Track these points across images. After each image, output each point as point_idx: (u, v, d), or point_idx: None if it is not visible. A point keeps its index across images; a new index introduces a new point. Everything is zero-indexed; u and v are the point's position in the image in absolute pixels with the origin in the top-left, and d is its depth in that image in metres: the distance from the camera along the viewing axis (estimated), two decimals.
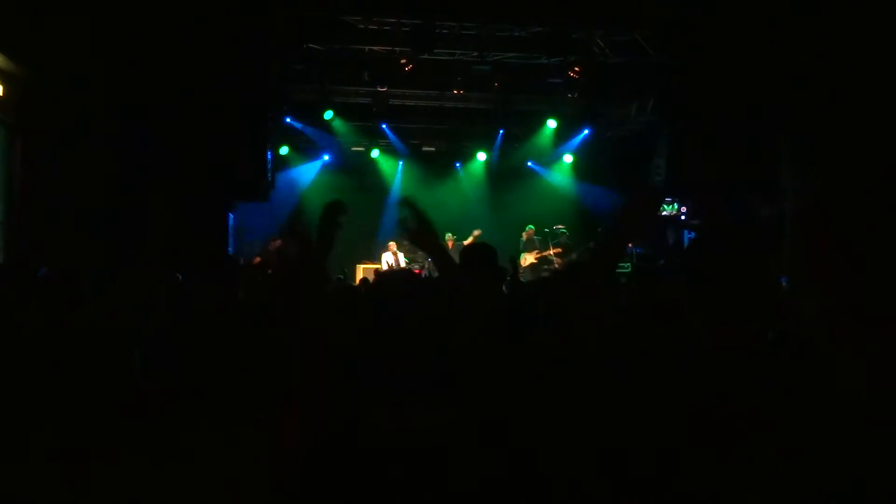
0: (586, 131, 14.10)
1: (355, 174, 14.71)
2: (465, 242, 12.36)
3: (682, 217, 11.61)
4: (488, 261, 2.79)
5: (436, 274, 2.92)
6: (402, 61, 11.49)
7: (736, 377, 1.38)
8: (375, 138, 14.30)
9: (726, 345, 1.42)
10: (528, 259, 12.65)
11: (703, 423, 1.34)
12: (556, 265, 12.24)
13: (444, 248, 2.38)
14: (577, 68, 11.73)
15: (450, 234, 12.83)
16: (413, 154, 14.84)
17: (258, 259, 11.46)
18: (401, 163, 15.04)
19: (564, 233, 12.89)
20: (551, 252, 12.53)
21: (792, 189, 7.32)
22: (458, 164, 15.32)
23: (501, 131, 14.25)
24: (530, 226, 13.06)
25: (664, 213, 11.42)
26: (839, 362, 1.45)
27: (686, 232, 11.20)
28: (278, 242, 12.08)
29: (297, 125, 13.38)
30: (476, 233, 12.55)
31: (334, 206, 2.12)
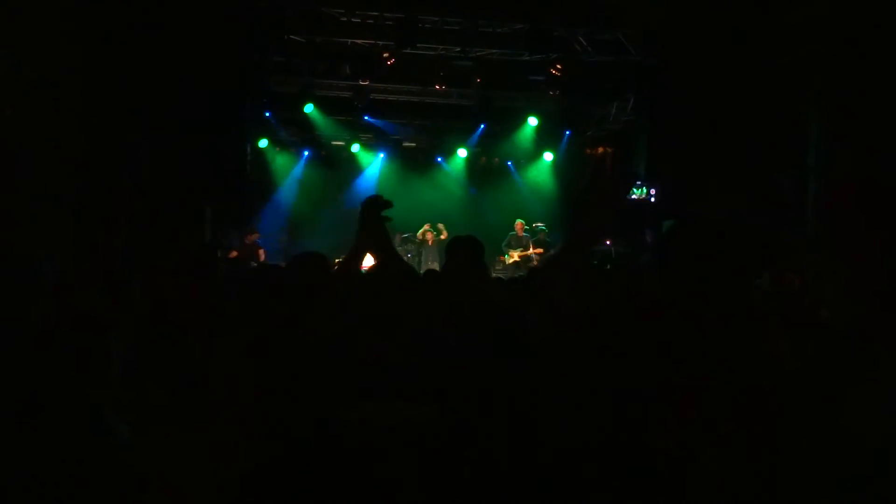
0: (567, 132, 14.17)
1: (335, 168, 14.60)
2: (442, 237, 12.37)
3: (652, 199, 11.61)
4: (474, 254, 2.74)
5: (415, 265, 2.88)
6: (385, 55, 11.42)
7: (701, 352, 1.44)
8: (356, 132, 14.21)
9: (696, 325, 1.48)
10: (513, 256, 12.63)
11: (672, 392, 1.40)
12: (536, 263, 12.25)
13: (389, 244, 2.37)
14: (558, 66, 11.74)
15: (430, 230, 12.82)
16: (393, 149, 14.78)
17: (235, 253, 11.34)
18: (381, 157, 14.96)
19: (543, 230, 12.88)
20: (532, 251, 12.53)
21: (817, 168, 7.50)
22: (438, 160, 15.28)
23: (482, 127, 14.24)
24: (519, 219, 12.94)
25: (633, 196, 11.44)
26: (866, 345, 1.49)
27: (664, 230, 11.27)
28: (255, 235, 11.97)
29: (277, 118, 13.25)
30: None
31: (376, 200, 2.14)
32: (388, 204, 2.18)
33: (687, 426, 1.38)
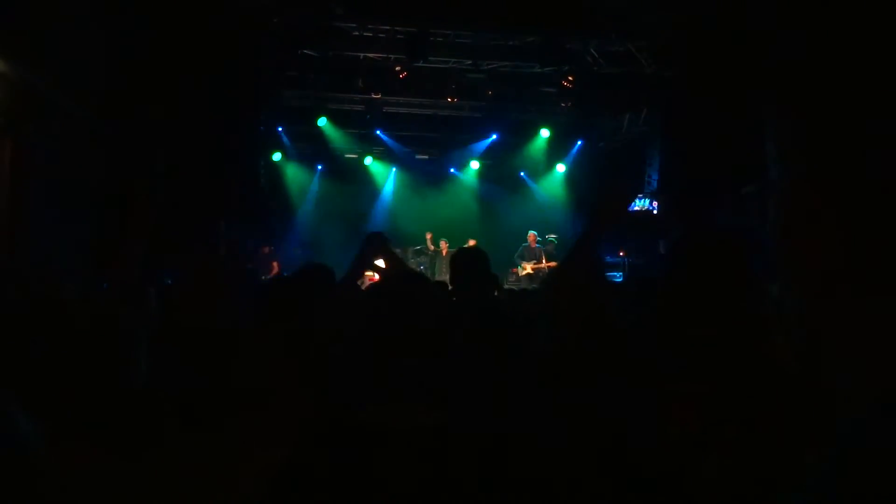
0: (579, 143, 14.18)
1: (348, 181, 14.68)
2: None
3: (654, 211, 11.60)
4: (478, 265, 2.76)
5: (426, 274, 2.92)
6: (397, 68, 11.51)
7: (702, 359, 1.46)
8: (369, 145, 14.30)
9: (698, 333, 1.49)
10: (526, 268, 12.62)
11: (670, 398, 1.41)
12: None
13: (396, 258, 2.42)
14: (570, 78, 11.78)
15: (444, 240, 12.84)
16: (406, 162, 14.85)
17: (249, 265, 11.42)
18: (394, 170, 15.03)
19: (553, 241, 12.84)
20: (545, 264, 12.51)
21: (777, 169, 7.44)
22: (451, 172, 15.32)
23: (494, 136, 14.28)
24: (532, 231, 12.92)
25: (635, 207, 11.44)
26: (820, 336, 1.51)
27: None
28: (269, 248, 12.05)
29: (290, 131, 13.36)
30: (471, 242, 12.55)
31: (377, 238, 2.20)
32: (386, 241, 2.25)
33: (689, 432, 1.40)
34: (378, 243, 2.21)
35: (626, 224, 11.19)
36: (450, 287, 3.11)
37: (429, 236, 13.02)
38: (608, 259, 11.06)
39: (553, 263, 12.48)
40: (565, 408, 1.50)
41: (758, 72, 7.74)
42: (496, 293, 4.05)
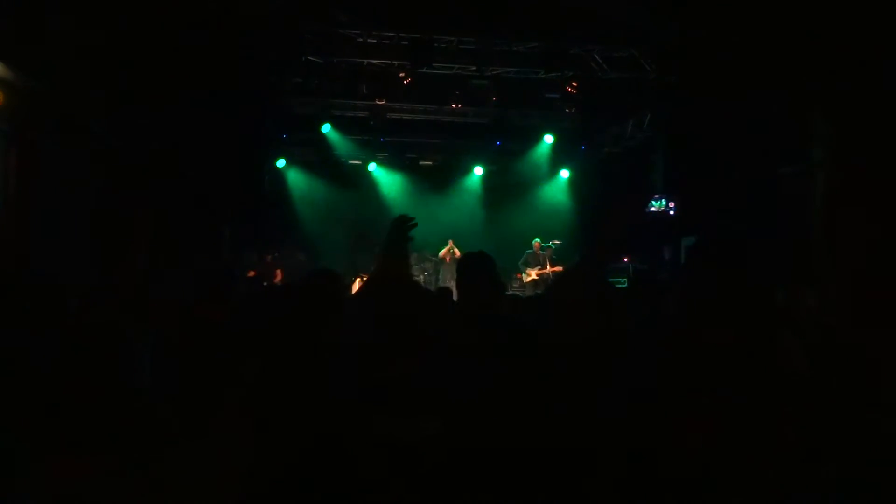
0: (583, 148, 14.17)
1: (352, 187, 14.69)
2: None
3: (671, 212, 11.53)
4: (486, 269, 2.73)
5: (430, 283, 2.90)
6: (401, 75, 11.51)
7: (717, 370, 1.43)
8: (372, 151, 14.31)
9: (715, 343, 1.47)
10: (531, 274, 12.61)
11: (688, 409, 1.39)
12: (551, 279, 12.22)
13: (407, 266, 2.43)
14: (574, 84, 11.76)
15: (446, 248, 12.82)
16: (410, 168, 14.86)
17: (253, 272, 11.43)
18: (397, 176, 15.04)
19: (550, 247, 12.81)
20: (549, 269, 12.50)
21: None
22: (454, 178, 15.32)
23: (498, 145, 14.29)
24: (536, 238, 12.94)
25: (653, 208, 11.38)
26: (853, 350, 1.50)
27: (682, 246, 11.17)
28: (273, 255, 12.07)
29: (294, 138, 13.38)
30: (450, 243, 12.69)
31: (403, 219, 2.20)
32: (414, 224, 2.25)
33: (708, 444, 1.37)
34: (408, 226, 2.22)
35: (642, 230, 11.18)
36: (455, 292, 3.09)
37: (450, 243, 12.97)
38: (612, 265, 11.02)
39: (557, 268, 12.47)
40: (572, 415, 1.48)
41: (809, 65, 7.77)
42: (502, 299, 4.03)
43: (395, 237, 2.19)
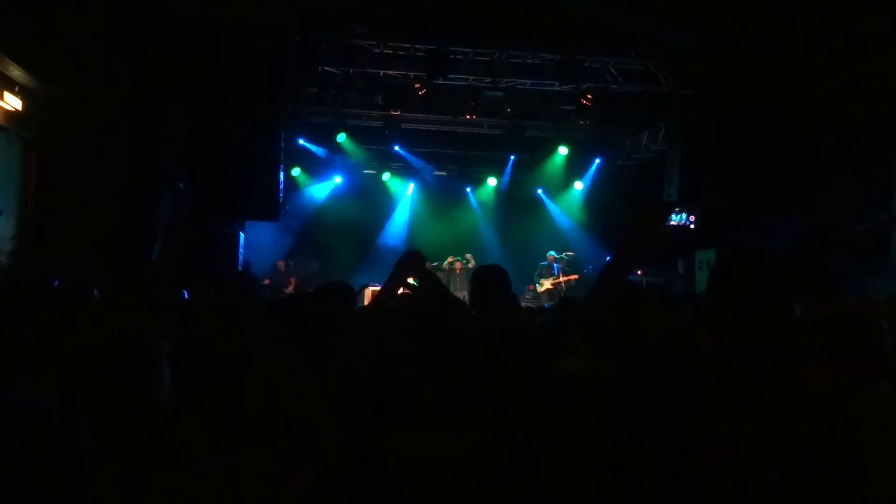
0: (597, 160, 14.14)
1: (366, 197, 14.74)
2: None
3: (692, 226, 11.45)
4: (500, 282, 2.73)
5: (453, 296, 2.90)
6: (416, 86, 11.58)
7: (746, 395, 1.40)
8: (387, 161, 14.36)
9: (740, 365, 1.44)
10: (545, 285, 12.59)
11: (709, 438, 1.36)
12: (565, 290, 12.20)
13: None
14: (589, 96, 11.78)
15: (459, 260, 12.80)
16: (424, 178, 14.89)
17: (267, 280, 11.47)
18: (411, 186, 15.07)
19: (564, 258, 12.75)
20: (562, 279, 12.48)
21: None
22: (468, 189, 15.34)
23: (513, 157, 14.30)
24: (551, 252, 12.93)
25: (672, 222, 11.31)
26: None
27: (696, 260, 11.09)
28: (287, 263, 12.11)
29: (310, 147, 13.45)
30: (450, 259, 12.70)
31: (413, 256, 2.20)
32: (423, 260, 2.24)
33: (732, 475, 1.35)
34: (414, 261, 2.21)
35: (662, 241, 11.09)
36: (468, 304, 3.09)
37: (450, 259, 12.95)
38: None
39: (571, 277, 12.43)
40: (595, 433, 1.47)
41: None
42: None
43: (402, 270, 2.19)
